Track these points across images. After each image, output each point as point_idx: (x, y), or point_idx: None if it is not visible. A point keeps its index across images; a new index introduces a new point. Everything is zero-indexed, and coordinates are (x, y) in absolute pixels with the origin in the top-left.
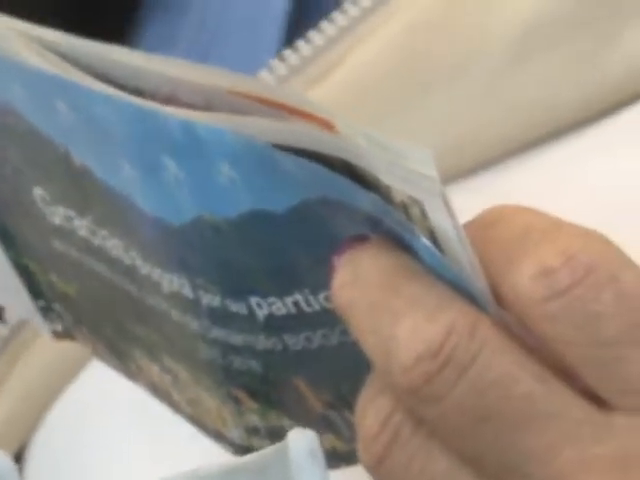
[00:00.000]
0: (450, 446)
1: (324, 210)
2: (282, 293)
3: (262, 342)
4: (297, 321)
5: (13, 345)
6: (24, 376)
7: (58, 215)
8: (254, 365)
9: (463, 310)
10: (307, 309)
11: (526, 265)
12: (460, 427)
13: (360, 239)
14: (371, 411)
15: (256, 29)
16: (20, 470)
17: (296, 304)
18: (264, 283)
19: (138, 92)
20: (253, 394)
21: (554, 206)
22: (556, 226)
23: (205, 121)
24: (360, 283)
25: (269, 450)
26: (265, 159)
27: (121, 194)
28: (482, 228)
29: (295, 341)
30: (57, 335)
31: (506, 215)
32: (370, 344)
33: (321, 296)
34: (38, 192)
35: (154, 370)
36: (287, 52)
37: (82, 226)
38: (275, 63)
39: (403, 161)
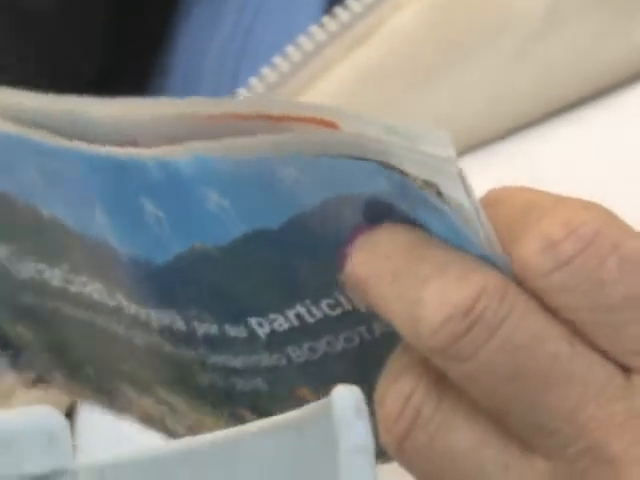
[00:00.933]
0: (477, 407)
1: (331, 210)
2: (283, 307)
3: (265, 360)
4: (300, 333)
5: None
6: None
7: (27, 270)
8: (259, 383)
9: (493, 274)
10: (310, 319)
11: (530, 239)
12: (487, 387)
13: (370, 227)
14: (391, 393)
15: (297, 9)
16: (72, 427)
17: (298, 316)
18: (263, 301)
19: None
20: (256, 409)
21: (585, 172)
22: (557, 201)
23: (186, 153)
24: (380, 256)
25: (311, 406)
26: (260, 176)
27: (97, 240)
28: (484, 208)
29: (299, 353)
30: (31, 383)
31: (507, 195)
32: (395, 311)
33: (323, 304)
34: (2, 251)
35: (148, 402)
36: (325, 19)
37: (54, 276)
38: (314, 29)
39: (420, 145)
